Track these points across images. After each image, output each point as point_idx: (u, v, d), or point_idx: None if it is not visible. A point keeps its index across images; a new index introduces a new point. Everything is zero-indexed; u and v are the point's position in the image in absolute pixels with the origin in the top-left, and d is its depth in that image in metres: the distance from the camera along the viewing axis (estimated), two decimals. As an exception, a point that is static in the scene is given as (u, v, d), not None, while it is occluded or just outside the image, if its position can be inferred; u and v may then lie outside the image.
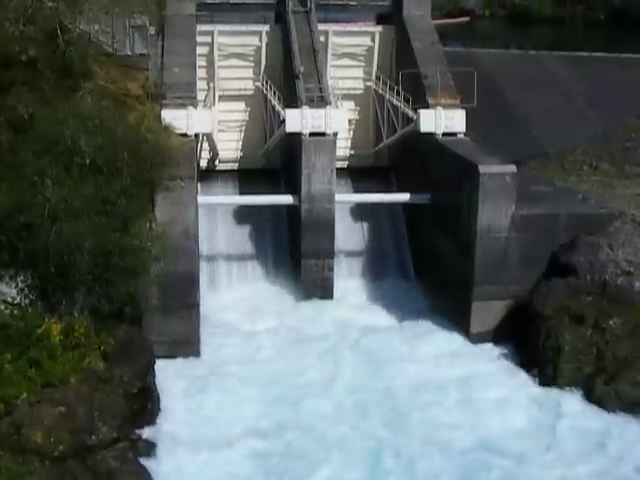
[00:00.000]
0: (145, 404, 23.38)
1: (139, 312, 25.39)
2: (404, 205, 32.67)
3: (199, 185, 29.75)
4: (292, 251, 32.12)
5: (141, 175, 24.64)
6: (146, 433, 22.79)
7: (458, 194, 28.39)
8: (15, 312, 22.40)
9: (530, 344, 26.44)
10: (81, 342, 22.46)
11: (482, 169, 26.90)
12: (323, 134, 29.61)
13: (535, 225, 27.24)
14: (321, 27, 34.24)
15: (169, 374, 25.37)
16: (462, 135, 30.30)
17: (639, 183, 29.73)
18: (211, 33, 33.92)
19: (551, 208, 27.88)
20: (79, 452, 20.72)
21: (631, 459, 22.51)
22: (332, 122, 29.57)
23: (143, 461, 21.58)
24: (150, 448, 22.27)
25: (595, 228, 27.20)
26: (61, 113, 24.65)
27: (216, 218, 32.41)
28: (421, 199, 30.99)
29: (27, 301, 23.02)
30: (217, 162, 34.68)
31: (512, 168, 27.19)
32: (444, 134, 30.19)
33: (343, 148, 34.76)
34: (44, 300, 23.00)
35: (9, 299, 22.95)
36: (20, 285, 23.03)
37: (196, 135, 29.03)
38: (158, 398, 23.91)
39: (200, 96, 31.74)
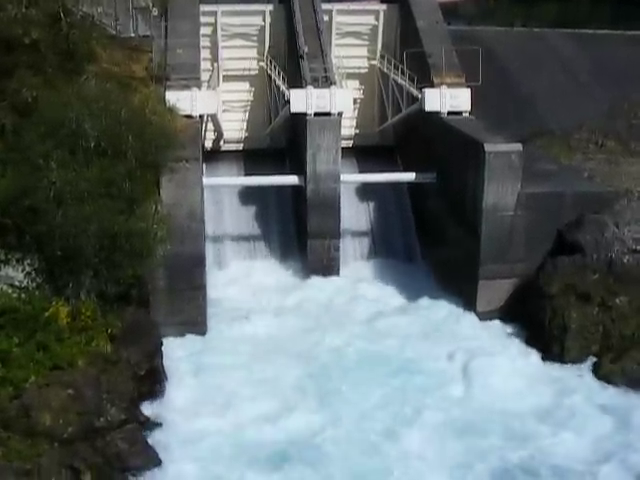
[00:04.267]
0: (153, 385, 23.48)
1: (146, 294, 25.45)
2: (410, 184, 32.63)
3: (204, 166, 29.73)
4: (298, 231, 32.14)
5: (146, 157, 24.64)
6: (154, 414, 22.83)
7: (464, 173, 28.34)
8: (22, 296, 22.47)
9: (537, 322, 26.45)
10: (88, 325, 22.52)
11: (488, 148, 26.85)
12: (328, 114, 29.55)
13: (541, 203, 27.18)
14: (325, 6, 34.09)
15: (176, 355, 25.46)
16: (467, 114, 30.23)
17: (645, 160, 29.70)
18: (214, 13, 33.81)
19: (557, 186, 27.81)
20: (88, 434, 20.78)
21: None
22: (337, 102, 29.50)
23: (151, 442, 21.62)
24: (158, 429, 22.32)
25: (601, 206, 27.12)
26: (65, 96, 24.67)
27: (221, 199, 32.40)
28: (426, 178, 30.94)
29: (34, 284, 23.07)
30: (222, 143, 34.67)
31: (518, 146, 27.13)
32: (449, 113, 30.13)
33: (348, 128, 34.69)
34: (51, 283, 23.06)
35: (16, 283, 23.00)
36: (27, 269, 23.09)
37: (201, 116, 29.00)
38: (166, 379, 24.00)
39: (204, 77, 31.73)
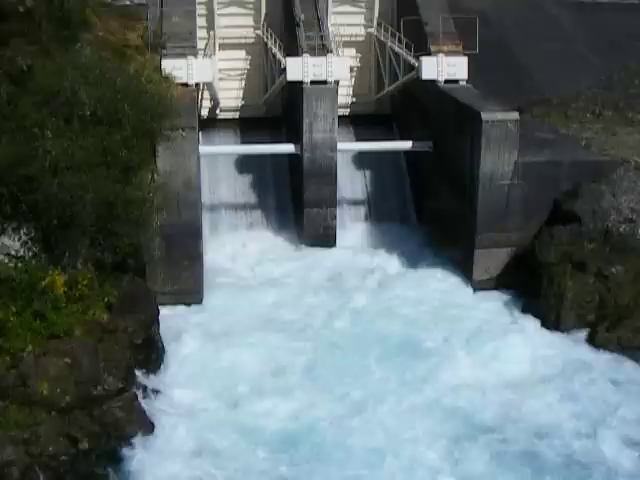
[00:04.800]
0: (150, 354, 23.50)
1: (142, 263, 25.47)
2: (406, 153, 32.62)
3: (200, 135, 29.65)
4: (294, 200, 32.14)
5: (142, 126, 24.55)
6: (151, 383, 22.85)
7: (460, 141, 28.30)
8: (19, 265, 22.44)
9: (533, 291, 26.52)
10: (85, 294, 22.48)
11: (485, 116, 26.78)
12: (324, 82, 29.46)
13: (538, 172, 27.16)
14: (322, -27, 33.90)
15: (173, 323, 25.49)
16: (464, 82, 30.13)
17: (642, 130, 29.62)
18: (210, -19, 33.65)
19: (554, 155, 27.76)
20: (85, 403, 20.84)
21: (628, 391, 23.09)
22: (333, 70, 29.40)
23: (148, 410, 21.66)
24: (155, 398, 22.35)
25: (598, 175, 27.10)
26: (60, 65, 24.51)
27: (218, 168, 32.38)
28: (423, 147, 30.91)
29: (31, 254, 23.01)
30: (218, 111, 34.57)
31: (515, 115, 27.07)
32: (446, 81, 30.04)
33: (345, 96, 34.59)
34: (47, 252, 23.01)
35: (13, 252, 22.94)
36: (23, 238, 23.01)
37: (197, 84, 28.89)
38: (162, 347, 24.06)
39: (200, 45, 31.56)
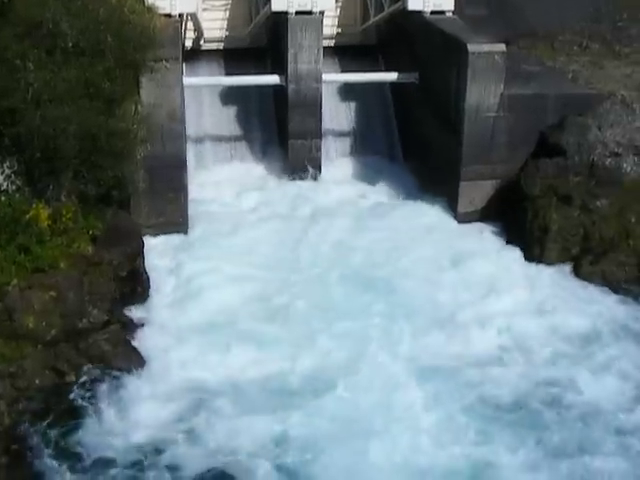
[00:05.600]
0: (135, 286, 23.55)
1: (127, 195, 25.34)
2: (392, 84, 32.33)
3: (184, 66, 29.34)
4: (279, 132, 31.92)
5: (125, 57, 24.23)
6: (137, 315, 23.00)
7: (446, 73, 28.09)
8: (2, 199, 22.31)
9: (518, 224, 26.61)
10: (69, 227, 22.41)
11: (471, 48, 26.56)
12: (310, 12, 29.06)
13: (524, 105, 27.03)
14: None
15: (158, 255, 25.58)
16: (451, 13, 29.80)
17: (629, 64, 29.35)
18: None
19: (540, 88, 27.61)
20: (71, 336, 20.94)
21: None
22: (318, 0, 29.00)
23: (134, 343, 21.84)
24: (141, 330, 22.49)
25: (584, 109, 26.97)
26: (42, -5, 24.17)
27: (202, 99, 32.06)
28: (409, 78, 30.64)
29: (14, 187, 22.85)
30: (202, 42, 34.07)
31: (501, 47, 26.85)
32: (432, 12, 29.64)
33: (330, 27, 34.02)
34: (31, 186, 22.88)
35: (-5, 186, 22.90)
36: (6, 171, 22.83)
37: (180, 15, 28.36)
38: (148, 279, 24.06)
39: (183, -26, 31.01)
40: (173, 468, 18.61)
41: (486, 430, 19.65)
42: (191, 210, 27.51)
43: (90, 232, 22.83)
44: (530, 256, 25.94)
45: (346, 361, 21.59)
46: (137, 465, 18.64)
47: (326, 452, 18.79)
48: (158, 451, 19.00)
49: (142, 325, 22.67)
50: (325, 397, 20.39)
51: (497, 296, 24.29)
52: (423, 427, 19.61)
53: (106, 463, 18.61)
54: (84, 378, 20.53)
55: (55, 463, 18.45)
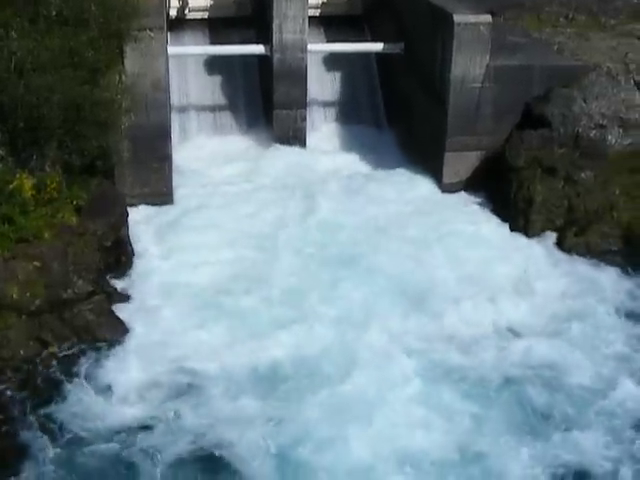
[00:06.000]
0: (119, 256, 23.53)
1: (111, 166, 25.24)
2: (377, 55, 32.22)
3: (169, 35, 29.19)
4: (264, 102, 31.80)
5: (109, 26, 24.06)
6: (121, 285, 22.99)
7: (432, 44, 28.02)
8: (-15, 168, 22.27)
9: (502, 195, 26.62)
10: (53, 197, 22.34)
11: (457, 18, 26.46)
12: (295, -19, 28.98)
13: (509, 76, 27.00)
14: None
15: (142, 225, 25.51)
16: (437, -17, 29.71)
17: (615, 35, 29.37)
18: None
19: (526, 59, 27.56)
20: (55, 306, 20.89)
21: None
22: (304, -31, 28.92)
23: (119, 313, 21.81)
24: (125, 300, 22.48)
25: (569, 80, 26.97)
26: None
27: (187, 69, 31.89)
28: (395, 49, 30.56)
29: (-3, 157, 22.86)
30: (187, 11, 33.85)
31: (487, 18, 26.76)
32: (418, -18, 29.61)
33: (315, -5, 34.02)
34: (14, 156, 22.74)
35: (-21, 156, 22.77)
36: (-10, 141, 22.86)
37: (165, -17, 28.32)
38: (132, 250, 24.07)
39: (168, -58, 30.82)
40: (154, 441, 18.57)
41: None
42: (175, 180, 27.40)
43: (74, 202, 22.77)
44: (514, 227, 25.97)
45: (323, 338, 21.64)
46: (119, 436, 18.64)
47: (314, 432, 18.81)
48: (140, 421, 19.05)
49: (127, 295, 22.67)
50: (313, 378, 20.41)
51: (479, 268, 24.28)
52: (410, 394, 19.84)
53: (88, 436, 18.59)
54: (68, 349, 20.58)
55: (38, 435, 18.43)
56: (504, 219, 26.32)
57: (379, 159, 30.13)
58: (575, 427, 19.12)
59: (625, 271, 24.36)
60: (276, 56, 29.49)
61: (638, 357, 21.32)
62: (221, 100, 32.13)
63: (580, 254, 24.91)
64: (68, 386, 19.64)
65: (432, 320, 22.34)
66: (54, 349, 20.42)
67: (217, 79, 32.23)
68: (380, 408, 19.36)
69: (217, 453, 18.32)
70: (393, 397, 19.72)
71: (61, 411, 19.08)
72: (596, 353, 21.39)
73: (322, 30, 33.44)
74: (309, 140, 30.75)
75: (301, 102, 30.22)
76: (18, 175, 22.04)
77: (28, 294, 20.51)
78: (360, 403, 19.53)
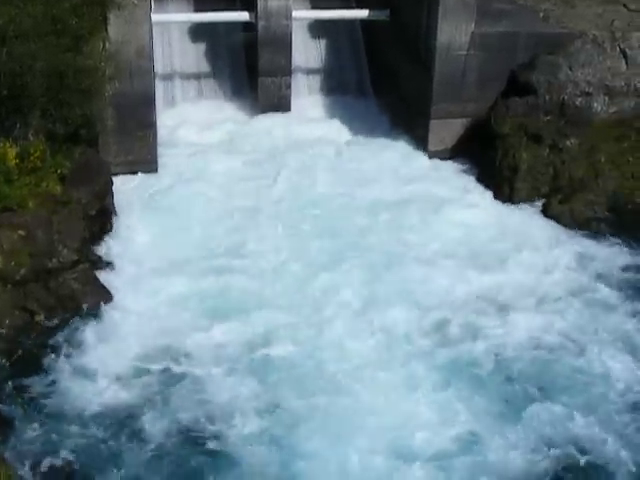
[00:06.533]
0: (104, 225, 23.49)
1: (95, 134, 25.08)
2: (363, 22, 32.02)
3: (152, 2, 28.91)
4: (249, 69, 31.62)
5: (92, -7, 24.00)
6: (106, 254, 22.95)
7: (417, 11, 27.89)
8: (-31, 137, 22.12)
9: (487, 162, 26.63)
10: (37, 166, 22.22)
11: (442, -15, 26.41)
12: (280, -53, 28.78)
13: (495, 43, 26.93)
14: None
15: (127, 194, 25.40)
16: (422, -51, 29.56)
17: (601, 3, 29.19)
18: None
19: (511, 26, 27.44)
20: (40, 275, 20.89)
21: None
22: None
23: (104, 281, 21.80)
24: (110, 268, 22.48)
25: (555, 48, 26.90)
26: None
27: (171, 36, 31.65)
28: (380, 16, 30.42)
29: (-20, 127, 22.70)
30: (170, -23, 33.66)
31: (473, -16, 26.72)
32: (404, -52, 29.45)
33: (300, -39, 33.78)
34: (-2, 125, 22.73)
35: (-38, 125, 22.60)
36: (-27, 111, 22.68)
37: (148, -51, 28.04)
38: (116, 218, 24.05)
39: None
40: (137, 413, 18.68)
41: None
42: (160, 147, 27.34)
43: (59, 171, 22.65)
44: (500, 195, 26.01)
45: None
46: (102, 403, 18.79)
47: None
48: (123, 390, 19.16)
49: (111, 263, 22.66)
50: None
51: (463, 235, 24.42)
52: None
53: (71, 404, 18.67)
54: (53, 317, 20.60)
55: (21, 404, 18.49)
56: (490, 186, 26.36)
57: (364, 126, 30.01)
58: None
59: (609, 239, 24.44)
60: (261, 23, 29.29)
61: (603, 315, 21.69)
62: (205, 67, 31.94)
63: (564, 221, 24.94)
64: (52, 355, 19.67)
65: (413, 282, 22.60)
66: (40, 318, 20.44)
67: (201, 46, 32.02)
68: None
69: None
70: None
71: (45, 380, 19.11)
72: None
73: (307, -4, 33.33)
74: (294, 107, 30.64)
75: (286, 69, 30.09)
76: (1, 144, 21.94)
77: (13, 263, 20.49)
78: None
